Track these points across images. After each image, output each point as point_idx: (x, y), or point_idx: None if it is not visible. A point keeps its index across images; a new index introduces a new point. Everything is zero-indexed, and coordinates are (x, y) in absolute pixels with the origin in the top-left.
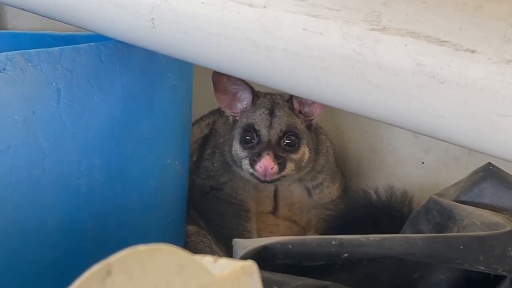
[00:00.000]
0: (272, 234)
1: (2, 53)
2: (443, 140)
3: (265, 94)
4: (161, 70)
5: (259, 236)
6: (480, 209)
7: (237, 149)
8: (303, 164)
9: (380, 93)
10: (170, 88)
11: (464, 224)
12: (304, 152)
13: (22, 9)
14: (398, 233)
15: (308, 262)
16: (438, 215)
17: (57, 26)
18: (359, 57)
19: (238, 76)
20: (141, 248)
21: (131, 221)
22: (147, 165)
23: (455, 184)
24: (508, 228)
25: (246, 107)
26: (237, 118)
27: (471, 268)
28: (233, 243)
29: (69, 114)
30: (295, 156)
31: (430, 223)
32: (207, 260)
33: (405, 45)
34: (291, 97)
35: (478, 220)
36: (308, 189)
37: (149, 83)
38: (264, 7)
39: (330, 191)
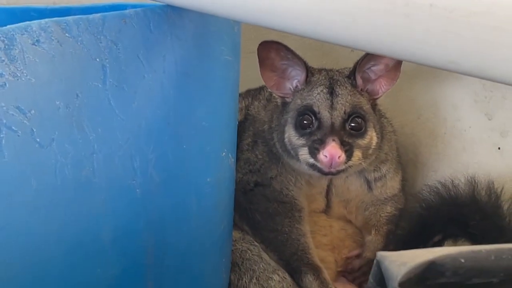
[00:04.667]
0: (325, 237)
1: (34, 21)
2: None
3: (320, 70)
4: (214, 42)
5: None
6: None
7: (291, 136)
8: (370, 151)
9: None
10: (224, 65)
11: None
12: (372, 137)
13: None
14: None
15: (479, 279)
16: None
17: None
18: None
19: (353, 46)
20: None
21: (190, 231)
22: (205, 160)
23: None
24: None
25: (297, 86)
26: (287, 99)
27: None
28: (378, 258)
29: (118, 97)
30: (362, 142)
31: None
32: None
33: None
34: (353, 72)
35: None
36: (368, 182)
37: (203, 58)
38: None
39: (392, 184)
